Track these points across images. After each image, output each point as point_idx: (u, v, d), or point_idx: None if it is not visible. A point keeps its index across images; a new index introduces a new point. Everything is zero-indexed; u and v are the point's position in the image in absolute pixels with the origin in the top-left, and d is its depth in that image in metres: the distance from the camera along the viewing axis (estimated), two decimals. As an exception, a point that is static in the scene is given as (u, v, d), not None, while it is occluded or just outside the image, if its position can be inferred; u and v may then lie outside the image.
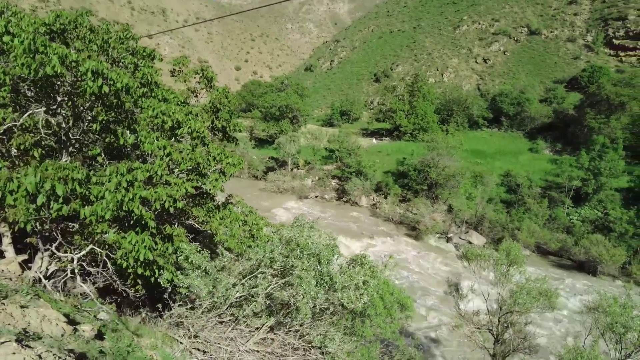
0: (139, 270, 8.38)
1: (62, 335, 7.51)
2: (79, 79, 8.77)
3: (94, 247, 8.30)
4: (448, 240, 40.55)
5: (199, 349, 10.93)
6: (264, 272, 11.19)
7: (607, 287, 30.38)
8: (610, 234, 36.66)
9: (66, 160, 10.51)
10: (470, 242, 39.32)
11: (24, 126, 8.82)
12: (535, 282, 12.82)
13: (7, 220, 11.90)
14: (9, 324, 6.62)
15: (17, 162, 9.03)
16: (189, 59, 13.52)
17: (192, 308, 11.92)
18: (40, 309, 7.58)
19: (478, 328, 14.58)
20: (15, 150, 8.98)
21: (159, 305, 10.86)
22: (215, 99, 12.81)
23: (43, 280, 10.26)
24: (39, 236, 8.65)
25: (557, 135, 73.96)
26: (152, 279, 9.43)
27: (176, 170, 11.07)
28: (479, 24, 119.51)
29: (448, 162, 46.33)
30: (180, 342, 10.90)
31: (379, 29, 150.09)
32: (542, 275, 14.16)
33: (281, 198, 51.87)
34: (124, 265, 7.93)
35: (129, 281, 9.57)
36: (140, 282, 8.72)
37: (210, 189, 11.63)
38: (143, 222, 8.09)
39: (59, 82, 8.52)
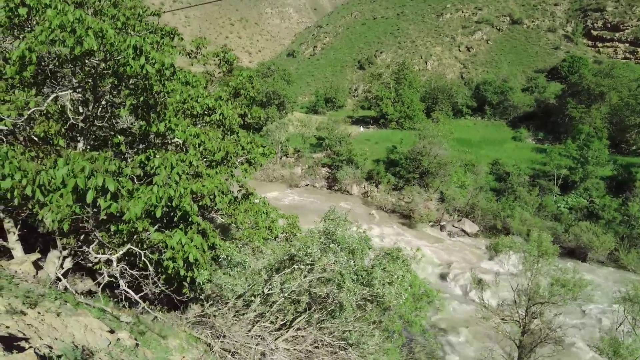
0: (182, 272, 7.63)
1: (108, 346, 6.78)
2: (108, 57, 7.84)
3: (131, 247, 7.48)
4: (441, 228, 40.83)
5: (228, 350, 10.31)
6: (301, 268, 10.62)
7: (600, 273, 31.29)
8: (599, 221, 37.69)
9: (83, 150, 9.56)
10: (463, 230, 39.71)
11: (45, 111, 7.82)
12: (564, 273, 12.79)
13: (16, 216, 10.85)
14: (56, 338, 5.83)
15: (33, 151, 8.03)
16: (207, 40, 12.52)
17: (217, 306, 11.24)
18: (80, 318, 6.79)
19: (503, 319, 14.52)
20: (36, 139, 7.99)
21: (192, 306, 10.15)
22: (239, 84, 11.93)
23: (63, 280, 9.41)
24: (71, 236, 7.73)
25: (539, 124, 75.39)
26: (188, 278, 8.72)
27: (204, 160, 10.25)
28: (462, 12, 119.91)
29: (439, 151, 46.42)
30: (207, 343, 10.27)
31: (362, 15, 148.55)
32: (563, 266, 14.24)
33: (271, 187, 50.96)
34: (170, 267, 7.16)
35: (160, 280, 8.80)
36: (186, 285, 7.97)
37: (239, 181, 10.86)
38: (189, 218, 7.34)
39: (86, 61, 7.55)
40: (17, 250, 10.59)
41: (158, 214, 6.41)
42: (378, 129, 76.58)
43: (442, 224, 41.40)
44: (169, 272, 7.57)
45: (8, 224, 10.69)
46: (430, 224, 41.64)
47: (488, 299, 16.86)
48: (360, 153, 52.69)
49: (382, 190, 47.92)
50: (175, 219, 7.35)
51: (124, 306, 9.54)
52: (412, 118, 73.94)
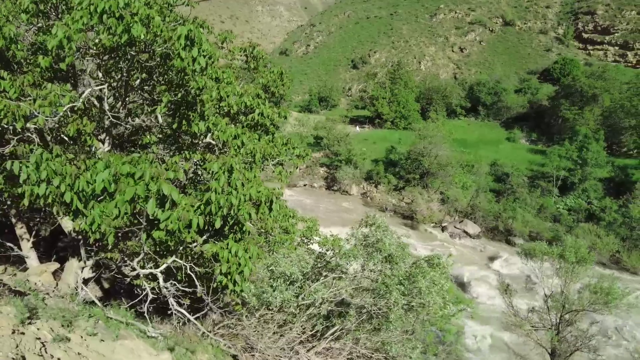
0: (230, 286, 6.92)
1: (159, 373, 6.06)
2: (146, 48, 7.10)
3: (176, 259, 6.75)
4: (443, 229, 40.58)
5: (259, 364, 9.62)
6: (341, 277, 10.01)
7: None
8: (599, 223, 37.85)
9: (108, 151, 8.77)
10: (465, 232, 39.51)
11: (75, 108, 7.02)
12: (601, 281, 12.41)
13: (31, 223, 9.94)
14: (109, 369, 5.10)
15: (68, 153, 7.23)
16: (234, 34, 11.75)
17: (246, 315, 10.58)
18: (125, 341, 6.05)
19: (533, 326, 14.12)
20: (66, 139, 7.19)
21: (211, 315, 9.45)
22: (270, 81, 11.22)
23: (86, 290, 8.63)
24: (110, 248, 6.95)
25: (532, 125, 75.97)
26: (229, 291, 8.02)
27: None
28: (456, 12, 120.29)
29: (440, 151, 46.17)
30: (234, 356, 9.60)
31: (355, 15, 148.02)
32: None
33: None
34: (224, 282, 6.45)
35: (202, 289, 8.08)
36: (239, 302, 7.28)
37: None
38: (242, 227, 6.63)
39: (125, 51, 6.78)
40: (32, 258, 9.77)
41: (217, 224, 5.72)
42: (373, 129, 76.23)
43: (443, 225, 41.17)
44: (217, 285, 6.87)
45: (21, 230, 9.84)
46: (432, 225, 41.35)
47: (501, 302, 16.49)
48: (359, 153, 52.20)
49: (382, 191, 47.52)
50: (226, 228, 6.63)
51: (151, 319, 8.80)
52: (408, 118, 73.85)
